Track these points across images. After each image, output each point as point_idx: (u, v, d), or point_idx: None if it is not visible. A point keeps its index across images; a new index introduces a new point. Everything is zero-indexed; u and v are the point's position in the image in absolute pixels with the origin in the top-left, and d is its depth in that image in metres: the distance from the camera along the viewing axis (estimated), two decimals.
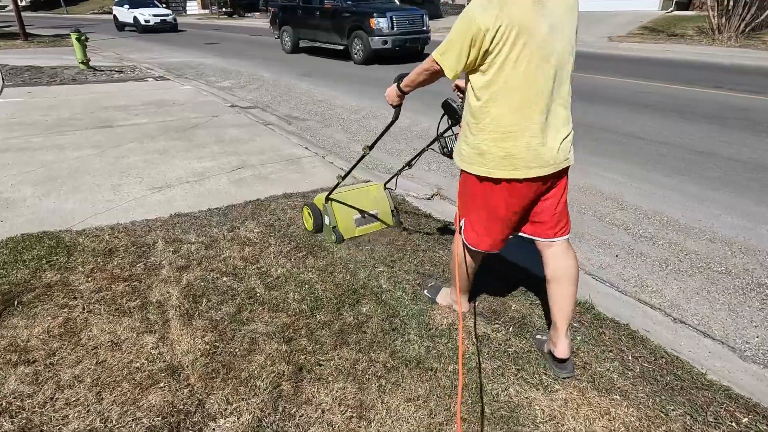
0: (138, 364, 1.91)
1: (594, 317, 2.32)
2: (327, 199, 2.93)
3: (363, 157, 2.70)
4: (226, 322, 2.19)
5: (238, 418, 1.70)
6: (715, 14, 14.09)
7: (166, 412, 1.71)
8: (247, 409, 1.74)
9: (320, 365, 1.96)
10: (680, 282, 2.81)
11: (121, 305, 2.28)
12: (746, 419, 1.74)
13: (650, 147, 5.11)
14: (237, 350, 2.02)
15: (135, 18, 22.31)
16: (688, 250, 3.13)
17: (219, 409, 1.74)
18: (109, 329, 2.10)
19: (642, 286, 2.78)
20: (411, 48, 11.74)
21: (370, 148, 2.65)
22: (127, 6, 23.06)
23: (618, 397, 1.82)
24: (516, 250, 2.98)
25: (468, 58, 1.65)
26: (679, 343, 2.22)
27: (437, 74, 1.81)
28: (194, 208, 3.55)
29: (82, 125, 5.78)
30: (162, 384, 1.83)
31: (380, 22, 10.96)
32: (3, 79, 8.94)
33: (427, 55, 1.93)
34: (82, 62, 10.18)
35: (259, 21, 29.67)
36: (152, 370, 1.89)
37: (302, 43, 13.74)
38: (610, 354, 2.06)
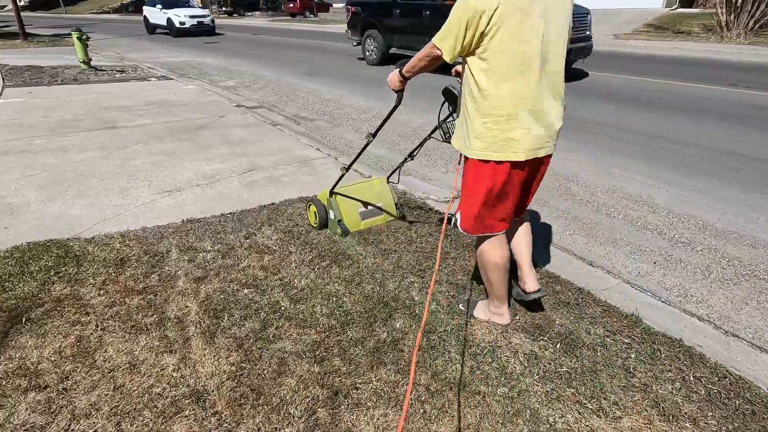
0: (159, 390, 1.75)
1: (644, 332, 2.16)
2: (331, 193, 2.92)
3: (367, 145, 2.69)
4: (251, 340, 2.02)
5: None
6: (723, 11, 13.93)
7: None
8: None
9: (357, 389, 1.80)
10: (726, 291, 2.65)
11: (137, 321, 2.12)
12: None
13: (674, 147, 4.95)
14: (266, 372, 1.85)
15: (169, 20, 19.59)
16: (729, 256, 2.97)
17: None
18: (126, 349, 1.94)
19: (686, 295, 2.62)
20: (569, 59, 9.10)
21: (374, 135, 2.62)
22: (160, 6, 20.15)
23: (688, 425, 1.67)
24: (555, 261, 2.83)
25: (464, 40, 1.70)
26: (736, 359, 2.06)
27: (437, 59, 1.85)
28: (207, 213, 3.38)
29: (86, 126, 5.60)
30: (187, 412, 1.66)
31: None
32: (3, 79, 8.76)
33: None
34: (84, 62, 10.00)
35: (259, 20, 29.49)
36: (175, 396, 1.72)
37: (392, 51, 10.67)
38: (670, 374, 1.90)
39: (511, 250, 2.17)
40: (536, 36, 1.67)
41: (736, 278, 2.75)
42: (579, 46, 8.94)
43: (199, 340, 2.01)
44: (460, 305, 2.32)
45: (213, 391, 1.75)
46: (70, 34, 10.22)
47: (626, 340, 2.10)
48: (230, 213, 3.39)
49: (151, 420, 1.63)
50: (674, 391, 1.81)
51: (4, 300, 2.21)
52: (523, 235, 2.22)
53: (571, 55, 9.10)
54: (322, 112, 6.86)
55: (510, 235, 2.20)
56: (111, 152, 4.69)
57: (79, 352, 1.91)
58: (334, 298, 2.33)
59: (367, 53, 11.18)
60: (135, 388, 1.75)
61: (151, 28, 21.33)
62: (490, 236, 2.03)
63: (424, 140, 2.76)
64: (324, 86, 8.65)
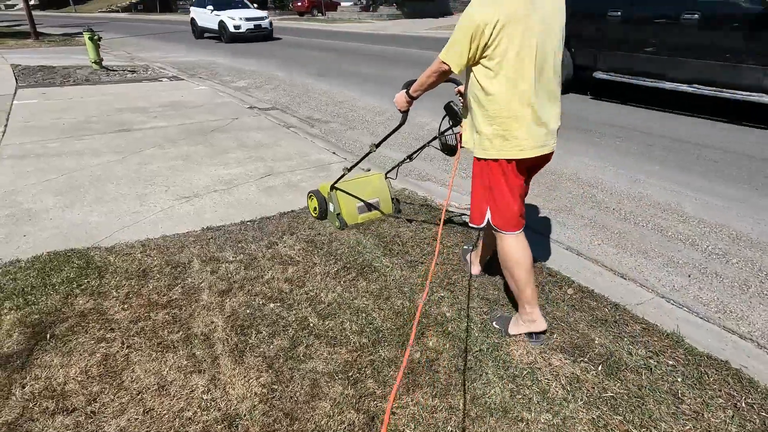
0: (190, 414, 1.69)
1: (688, 353, 2.07)
2: (332, 188, 3.07)
3: (368, 154, 2.89)
4: (281, 360, 1.96)
5: None
6: None
7: None
8: None
9: (394, 413, 1.73)
10: (767, 306, 2.55)
11: (163, 338, 2.06)
12: None
13: (701, 152, 4.83)
14: (298, 395, 1.79)
15: (221, 23, 16.76)
16: None
17: None
18: (154, 369, 1.88)
19: (725, 311, 2.53)
20: None
21: (377, 146, 2.81)
22: (211, 7, 17.26)
23: None
24: (586, 273, 2.74)
25: (470, 52, 1.84)
26: None
27: (446, 74, 1.99)
28: (226, 221, 3.32)
29: (100, 129, 5.57)
30: None
31: None
32: (17, 79, 8.78)
33: None
34: (95, 62, 10.00)
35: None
36: (207, 421, 1.66)
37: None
38: (720, 400, 1.81)
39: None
40: (535, 43, 1.81)
41: None
42: None
43: (227, 359, 1.95)
44: (494, 323, 2.24)
45: (245, 415, 1.69)
46: (81, 34, 10.24)
47: (670, 362, 2.01)
48: (250, 220, 3.34)
49: None
50: (727, 420, 1.72)
51: (27, 314, 2.16)
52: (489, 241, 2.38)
53: None
54: (336, 114, 6.80)
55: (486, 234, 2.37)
56: (126, 156, 4.65)
57: (106, 371, 1.86)
58: (363, 314, 2.26)
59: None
60: (165, 412, 1.69)
61: (199, 32, 18.37)
62: (509, 237, 2.10)
63: (424, 146, 2.87)
64: (336, 87, 8.59)
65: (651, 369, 1.95)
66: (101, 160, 4.51)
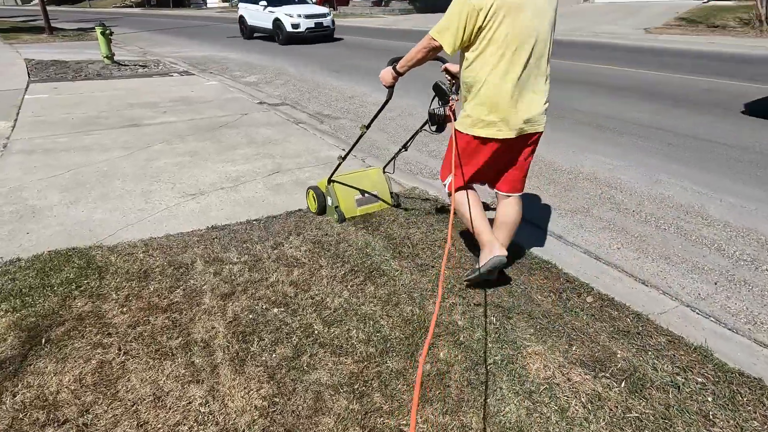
0: (186, 428, 1.59)
1: (717, 369, 1.93)
2: (329, 180, 3.07)
3: (361, 136, 2.95)
4: (283, 370, 1.86)
5: None
6: (763, 3, 13.27)
7: None
8: None
9: None
10: None
11: (162, 345, 1.97)
12: None
13: (726, 152, 4.63)
14: (300, 409, 1.69)
15: (277, 21, 14.43)
16: None
17: None
18: (150, 378, 1.79)
19: (755, 322, 2.37)
20: None
21: (367, 127, 2.85)
22: (264, 3, 15.12)
23: None
24: (605, 279, 2.60)
25: (464, 34, 1.91)
26: None
27: (436, 50, 2.05)
28: (232, 219, 3.24)
29: (109, 124, 5.53)
30: None
31: None
32: (29, 74, 8.81)
33: None
34: (107, 57, 10.00)
35: None
36: None
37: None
38: (756, 423, 1.67)
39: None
40: (528, 29, 1.89)
41: None
42: None
43: (227, 369, 1.85)
44: (465, 281, 2.43)
45: (244, 431, 1.59)
46: (94, 29, 10.22)
47: (699, 379, 1.87)
48: (256, 219, 3.25)
49: None
50: None
51: (23, 317, 2.09)
52: (510, 228, 2.40)
53: None
54: (346, 109, 6.69)
55: (500, 216, 2.42)
56: (134, 152, 4.59)
57: (100, 380, 1.78)
58: (371, 322, 2.15)
59: None
60: (160, 426, 1.60)
61: (249, 32, 16.10)
62: (458, 194, 2.30)
63: (416, 132, 2.91)
64: (347, 82, 8.47)
65: (679, 387, 1.82)
66: (109, 156, 4.46)
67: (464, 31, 1.90)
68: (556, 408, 1.72)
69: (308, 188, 3.33)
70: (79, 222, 3.18)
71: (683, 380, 1.86)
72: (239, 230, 3.08)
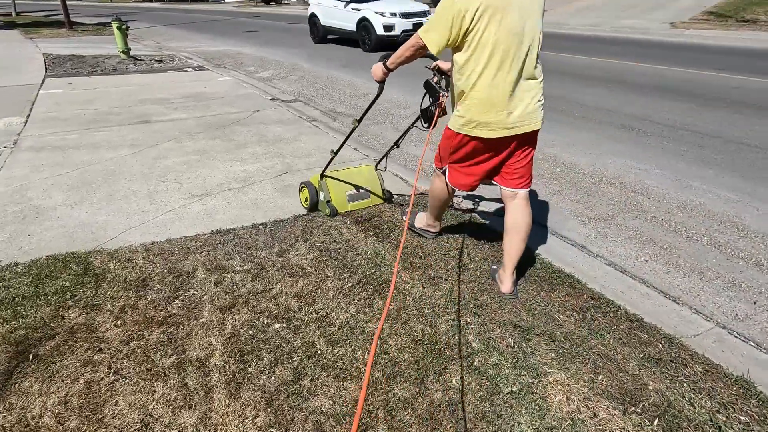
0: None
1: (762, 405, 1.73)
2: (322, 176, 3.10)
3: (353, 130, 2.94)
4: (282, 395, 1.72)
5: None
6: None
7: None
8: None
9: None
10: None
11: (155, 363, 1.85)
12: None
13: (764, 156, 4.34)
14: None
15: (364, 21, 11.40)
16: None
17: None
18: (140, 402, 1.67)
19: None
20: None
21: (359, 122, 2.90)
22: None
23: None
24: (632, 296, 2.40)
25: (450, 35, 1.94)
26: None
27: (422, 50, 2.08)
28: (237, 223, 3.12)
29: (120, 121, 5.47)
30: None
31: None
32: (46, 68, 8.84)
33: None
34: (123, 51, 10.00)
35: (294, 8, 29.33)
36: None
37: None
38: None
39: (503, 244, 2.39)
40: (516, 30, 1.90)
41: None
42: None
43: (222, 393, 1.72)
44: (404, 216, 2.86)
45: None
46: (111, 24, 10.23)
47: (742, 417, 1.68)
48: (262, 223, 3.12)
49: None
50: None
51: (13, 329, 1.99)
52: (521, 237, 2.30)
53: None
54: (360, 107, 6.52)
55: (509, 222, 2.35)
56: (142, 150, 4.51)
57: (87, 402, 1.66)
58: (379, 341, 2.00)
59: None
60: None
61: (322, 34, 13.08)
62: (450, 186, 2.41)
63: (407, 129, 2.97)
64: (361, 79, 8.30)
65: (720, 427, 1.63)
66: (117, 154, 4.38)
67: (450, 32, 1.93)
68: None
69: (301, 183, 3.34)
70: (81, 224, 3.09)
71: (724, 419, 1.67)
72: (244, 235, 2.95)
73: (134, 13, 27.57)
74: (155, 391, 1.72)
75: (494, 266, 2.54)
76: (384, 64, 2.35)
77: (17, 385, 1.73)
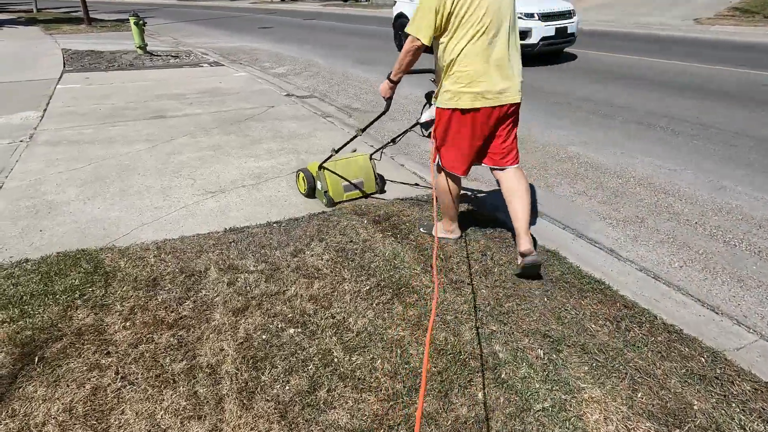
0: None
1: None
2: (320, 167, 3.18)
3: (354, 137, 3.08)
4: (296, 407, 1.62)
5: None
6: None
7: None
8: None
9: None
10: None
11: (164, 369, 1.76)
12: None
13: None
14: None
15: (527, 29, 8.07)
16: None
17: None
18: (147, 411, 1.58)
19: None
20: None
21: (362, 131, 3.04)
22: None
23: None
24: (667, 304, 2.24)
25: (436, 23, 2.10)
26: None
27: (420, 50, 2.21)
28: (251, 221, 3.03)
29: (135, 116, 5.43)
30: None
31: None
32: (64, 63, 8.89)
33: None
34: (140, 47, 10.02)
35: (310, 5, 29.30)
36: None
37: None
38: None
39: (509, 214, 2.48)
40: (491, 10, 2.08)
41: None
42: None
43: (233, 403, 1.62)
44: (421, 229, 2.83)
45: None
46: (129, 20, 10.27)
47: None
48: (276, 222, 3.02)
49: None
50: None
51: (20, 330, 1.92)
52: (523, 197, 2.40)
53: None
54: (376, 103, 6.40)
55: (505, 191, 2.47)
56: (157, 145, 4.45)
57: (92, 410, 1.58)
58: (399, 350, 1.88)
59: None
60: None
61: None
62: (451, 175, 2.47)
63: (407, 130, 3.10)
64: (377, 75, 8.17)
65: None
66: (131, 149, 4.33)
67: (436, 20, 2.08)
68: None
69: (298, 170, 3.43)
70: (94, 219, 3.03)
71: None
72: (258, 233, 2.86)
73: (152, 9, 27.80)
74: (164, 399, 1.63)
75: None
76: (389, 78, 2.42)
77: (21, 389, 1.65)
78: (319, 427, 1.55)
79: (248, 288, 2.29)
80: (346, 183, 3.28)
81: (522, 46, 6.47)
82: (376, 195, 3.43)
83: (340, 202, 3.27)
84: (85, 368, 1.75)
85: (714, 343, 2.01)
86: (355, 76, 8.13)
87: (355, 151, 3.54)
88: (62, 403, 1.60)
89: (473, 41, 2.10)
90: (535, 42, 8.10)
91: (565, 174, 3.96)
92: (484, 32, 2.09)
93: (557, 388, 1.72)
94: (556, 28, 8.20)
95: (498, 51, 2.15)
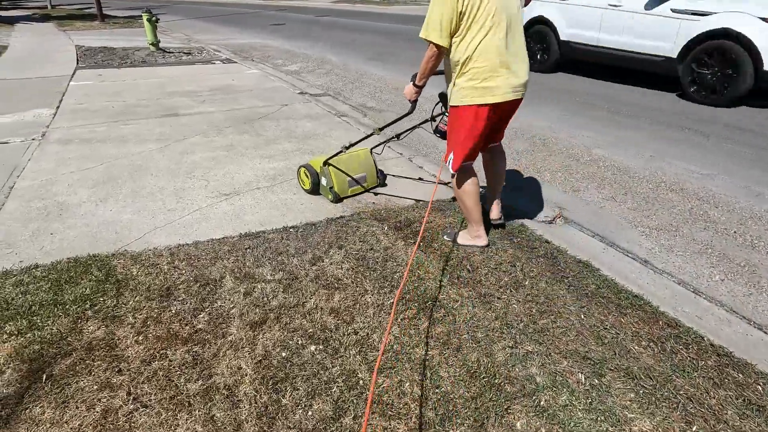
0: None
1: None
2: (326, 163, 3.17)
3: (370, 135, 3.14)
4: None
5: None
6: None
7: None
8: None
9: None
10: None
11: (178, 389, 1.65)
12: None
13: None
14: None
15: (720, 38, 5.27)
16: None
17: None
18: None
19: None
20: None
21: (381, 130, 3.04)
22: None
23: None
24: (709, 321, 2.07)
25: (451, 24, 2.12)
26: None
27: (442, 54, 2.25)
28: (267, 226, 2.91)
29: (147, 113, 5.35)
30: None
31: None
32: (78, 60, 8.86)
33: None
34: (153, 44, 9.97)
35: (321, 2, 29.16)
36: None
37: None
38: None
39: (486, 179, 2.81)
40: (500, 8, 2.12)
41: None
42: None
43: (253, 429, 1.51)
44: (445, 237, 2.72)
45: None
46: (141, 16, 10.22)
47: None
48: (293, 226, 2.91)
49: None
50: None
51: (28, 343, 1.82)
52: (500, 160, 2.72)
53: None
54: (391, 102, 6.26)
55: (487, 163, 2.76)
56: (169, 144, 4.36)
57: None
58: (428, 372, 1.76)
59: None
60: None
61: (558, 56, 7.43)
62: (460, 174, 2.49)
63: (414, 127, 3.05)
64: (392, 72, 8.03)
65: None
66: (144, 148, 4.24)
67: (451, 23, 2.11)
68: None
69: (300, 166, 3.40)
70: (105, 222, 2.93)
71: None
72: (274, 239, 2.75)
73: (164, 5, 27.86)
74: (178, 425, 1.52)
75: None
76: (413, 83, 2.46)
77: (28, 410, 1.55)
78: None
79: (266, 299, 2.18)
80: (350, 178, 3.27)
81: None
82: (382, 191, 3.43)
83: (345, 197, 3.28)
84: (95, 387, 1.64)
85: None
86: (370, 74, 7.99)
87: (350, 146, 3.46)
88: (71, 428, 1.49)
89: (487, 38, 2.14)
90: None
91: (591, 178, 3.80)
92: (496, 28, 2.13)
93: (603, 418, 1.58)
94: None
95: (510, 45, 2.20)
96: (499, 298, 2.19)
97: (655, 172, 3.87)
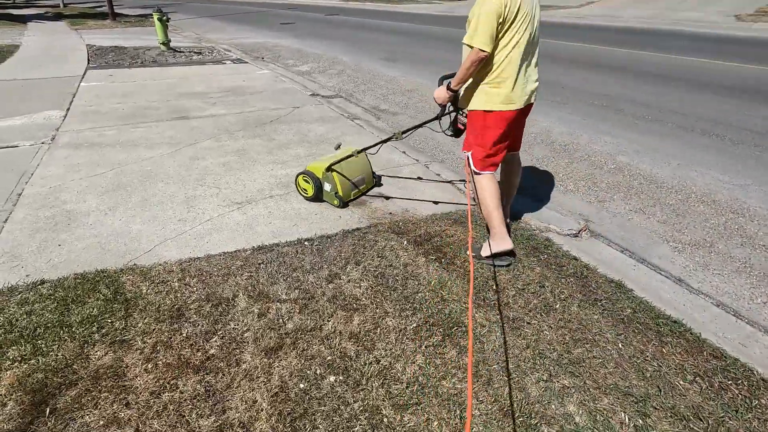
0: None
1: None
2: (329, 169, 3.11)
3: (389, 139, 3.12)
4: None
5: None
6: None
7: None
8: None
9: None
10: None
11: (190, 426, 1.54)
12: None
13: None
14: None
15: None
16: None
17: None
18: None
19: None
20: None
21: (403, 133, 3.00)
22: None
23: None
24: (753, 349, 1.93)
25: (497, 32, 2.15)
26: None
27: (483, 60, 2.20)
28: (280, 238, 2.80)
29: (158, 116, 5.26)
30: None
31: None
32: (89, 60, 8.82)
33: None
34: (163, 43, 9.92)
35: (331, 0, 29.00)
36: None
37: None
38: None
39: (504, 181, 2.76)
40: (530, 12, 2.17)
41: None
42: None
43: None
44: (468, 252, 2.36)
45: None
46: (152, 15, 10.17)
47: None
48: (308, 239, 2.79)
49: None
50: None
51: (31, 371, 1.72)
52: (517, 173, 2.72)
53: None
54: (405, 104, 6.13)
55: (503, 171, 2.73)
56: (180, 149, 4.26)
57: None
58: (456, 407, 1.63)
59: None
60: None
61: None
62: (482, 176, 2.46)
63: (418, 126, 2.99)
64: (404, 73, 7.89)
65: None
66: (154, 153, 4.14)
67: (497, 30, 2.12)
68: None
69: (298, 174, 3.32)
70: (114, 233, 2.84)
71: None
72: (289, 253, 2.63)
73: (175, 4, 27.90)
74: None
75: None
76: (448, 87, 2.41)
77: None
78: None
79: (281, 321, 2.06)
80: (350, 182, 3.25)
81: None
82: (395, 196, 3.39)
83: (349, 202, 3.27)
84: (101, 423, 1.54)
85: None
86: (382, 75, 7.85)
87: (339, 146, 3.45)
88: None
89: (517, 46, 2.17)
90: None
91: (617, 187, 3.64)
92: (524, 37, 2.17)
93: None
94: None
95: (529, 55, 2.26)
96: (529, 323, 2.05)
97: (683, 182, 3.70)
